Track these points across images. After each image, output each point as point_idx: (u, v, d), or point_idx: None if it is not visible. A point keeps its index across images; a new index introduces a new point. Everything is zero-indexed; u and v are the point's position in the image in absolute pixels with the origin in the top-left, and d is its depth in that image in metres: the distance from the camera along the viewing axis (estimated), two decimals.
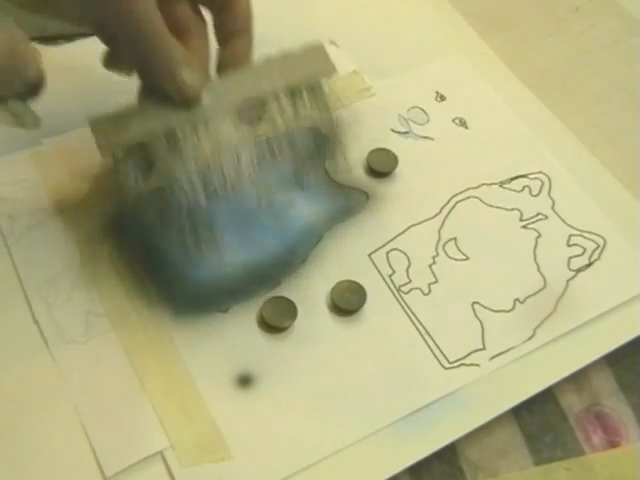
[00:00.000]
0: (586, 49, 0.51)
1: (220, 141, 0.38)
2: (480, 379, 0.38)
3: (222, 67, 0.40)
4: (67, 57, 0.46)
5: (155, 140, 0.37)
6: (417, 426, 0.36)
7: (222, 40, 0.40)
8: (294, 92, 0.39)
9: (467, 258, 0.42)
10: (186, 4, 0.40)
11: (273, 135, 0.39)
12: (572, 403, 0.39)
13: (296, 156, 0.43)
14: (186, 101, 0.36)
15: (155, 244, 0.40)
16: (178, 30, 0.38)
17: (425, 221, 0.43)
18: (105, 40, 0.38)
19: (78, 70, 0.46)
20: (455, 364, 0.38)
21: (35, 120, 0.36)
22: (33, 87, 0.34)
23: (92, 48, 0.39)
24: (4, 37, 0.31)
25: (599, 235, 0.43)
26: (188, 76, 0.36)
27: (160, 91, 0.36)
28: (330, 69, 0.40)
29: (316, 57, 0.40)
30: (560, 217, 0.43)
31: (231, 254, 0.40)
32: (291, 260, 0.41)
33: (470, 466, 0.37)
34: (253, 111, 0.39)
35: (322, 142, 0.45)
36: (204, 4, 0.40)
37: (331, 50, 0.40)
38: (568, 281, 0.41)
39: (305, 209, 0.42)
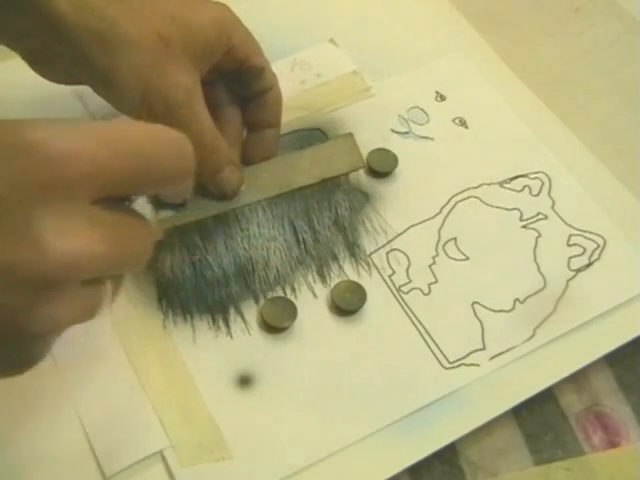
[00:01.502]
0: (586, 49, 0.51)
1: (251, 234, 0.39)
2: (480, 379, 0.38)
3: (248, 155, 0.40)
4: None
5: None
6: (417, 426, 0.36)
7: (251, 128, 0.41)
8: (325, 186, 0.41)
9: (467, 258, 0.42)
10: (223, 87, 0.40)
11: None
12: (572, 403, 0.39)
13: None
14: (224, 197, 0.35)
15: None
16: (213, 114, 0.37)
17: (425, 221, 0.43)
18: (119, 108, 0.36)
19: None
20: (455, 364, 0.38)
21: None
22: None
23: None
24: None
25: (599, 235, 0.43)
26: (229, 175, 0.36)
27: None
28: (358, 162, 0.41)
29: (345, 149, 0.41)
30: (560, 217, 0.43)
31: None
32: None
33: (470, 466, 0.37)
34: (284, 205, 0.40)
35: (322, 142, 0.45)
36: (238, 90, 0.40)
37: (331, 50, 0.40)
38: (568, 281, 0.41)
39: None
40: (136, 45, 0.34)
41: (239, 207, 0.39)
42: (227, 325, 0.39)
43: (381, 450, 0.36)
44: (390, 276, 0.41)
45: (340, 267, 0.41)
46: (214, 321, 0.39)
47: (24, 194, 0.23)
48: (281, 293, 0.40)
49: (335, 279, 0.40)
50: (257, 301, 0.39)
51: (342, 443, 0.36)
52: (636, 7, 0.53)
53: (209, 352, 0.38)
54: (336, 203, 0.42)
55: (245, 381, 0.37)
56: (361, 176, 0.44)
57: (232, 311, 0.39)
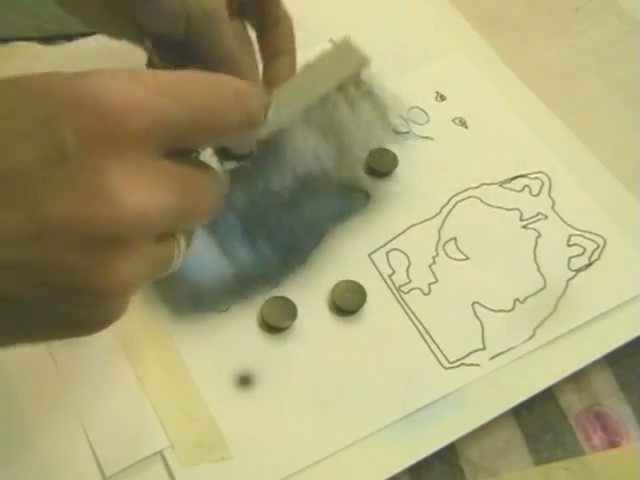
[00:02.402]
0: (586, 49, 0.51)
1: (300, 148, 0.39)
2: (480, 379, 0.38)
3: (268, 85, 0.40)
4: (67, 57, 0.46)
5: None
6: (417, 426, 0.36)
7: (267, 59, 0.41)
8: (343, 89, 0.40)
9: (467, 258, 0.42)
10: (237, 21, 0.40)
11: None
12: (572, 403, 0.39)
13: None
14: (251, 126, 0.32)
15: None
16: None
17: (425, 221, 0.43)
18: (152, 41, 0.37)
19: (78, 70, 0.46)
20: (455, 364, 0.38)
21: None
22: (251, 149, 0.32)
23: (92, 47, 0.39)
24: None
25: (599, 235, 0.43)
26: (254, 101, 0.34)
27: None
28: (364, 60, 0.40)
29: (347, 52, 0.41)
30: (560, 217, 0.43)
31: (231, 254, 0.40)
32: (290, 260, 0.41)
33: (470, 466, 0.37)
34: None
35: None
36: (250, 23, 0.40)
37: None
38: (568, 281, 0.41)
39: (306, 209, 0.42)
40: None
41: (277, 130, 0.37)
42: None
43: (381, 450, 0.36)
44: (390, 276, 0.41)
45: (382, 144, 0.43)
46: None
47: (92, 149, 0.23)
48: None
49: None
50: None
51: (342, 443, 0.36)
52: (636, 7, 0.53)
53: (209, 352, 0.38)
54: (356, 97, 0.41)
55: (245, 381, 0.37)
56: (361, 176, 0.44)
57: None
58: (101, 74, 0.24)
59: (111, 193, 0.23)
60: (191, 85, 0.25)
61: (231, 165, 0.32)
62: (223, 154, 0.30)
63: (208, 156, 0.29)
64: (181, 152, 0.26)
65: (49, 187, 0.23)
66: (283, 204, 0.39)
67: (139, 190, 0.24)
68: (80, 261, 0.24)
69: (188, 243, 0.28)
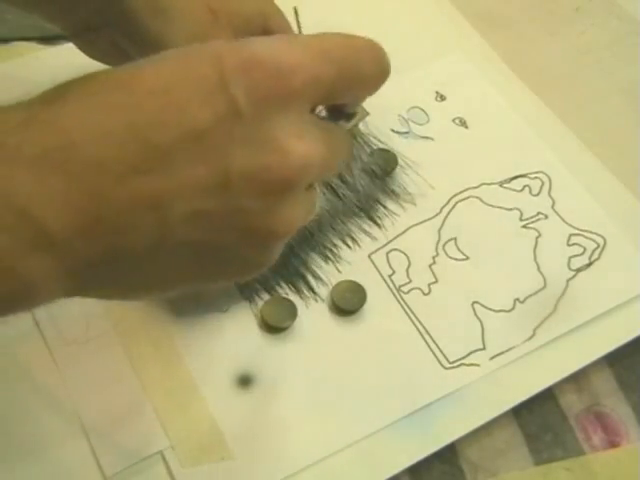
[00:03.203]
0: (586, 49, 0.51)
1: None
2: (480, 379, 0.38)
3: None
4: (67, 57, 0.46)
5: None
6: (417, 426, 0.36)
7: None
8: None
9: (467, 258, 0.42)
10: None
11: None
12: (572, 403, 0.39)
13: None
14: (385, 77, 0.31)
15: None
16: None
17: (425, 221, 0.43)
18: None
19: (78, 70, 0.46)
20: (455, 364, 0.38)
21: None
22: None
23: None
24: None
25: (599, 235, 0.43)
26: (385, 53, 0.32)
27: None
28: (364, 112, 0.40)
29: None
30: (560, 217, 0.43)
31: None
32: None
33: (470, 466, 0.37)
34: None
35: None
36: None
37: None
38: (568, 281, 0.41)
39: None
40: (188, 14, 0.36)
41: None
42: (313, 291, 0.40)
43: (381, 450, 0.36)
44: (390, 276, 0.41)
45: (385, 207, 0.43)
46: (297, 290, 0.40)
47: (262, 105, 0.25)
48: (343, 245, 0.41)
49: (386, 220, 0.42)
50: (326, 261, 0.41)
51: (342, 443, 0.36)
52: (636, 7, 0.53)
53: (209, 352, 0.38)
54: (357, 152, 0.43)
55: (245, 381, 0.37)
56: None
57: (310, 277, 0.40)
58: (262, 40, 0.26)
59: (281, 143, 0.26)
60: (336, 43, 0.27)
61: (342, 124, 0.33)
62: (335, 113, 0.31)
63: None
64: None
65: (228, 142, 0.25)
66: None
67: (303, 140, 0.26)
68: (259, 206, 0.26)
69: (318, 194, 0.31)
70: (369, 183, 0.43)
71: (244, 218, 0.27)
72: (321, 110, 0.31)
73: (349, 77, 0.28)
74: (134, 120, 0.25)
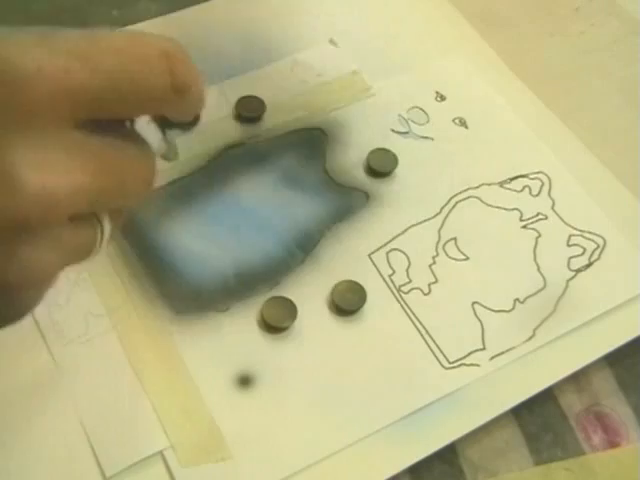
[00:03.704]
0: (586, 49, 0.51)
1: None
2: (480, 379, 0.38)
3: None
4: None
5: None
6: (417, 426, 0.36)
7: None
8: None
9: (467, 258, 0.42)
10: None
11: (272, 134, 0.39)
12: (572, 403, 0.39)
13: (295, 155, 0.43)
14: (179, 93, 0.24)
15: (156, 243, 0.41)
16: None
17: (425, 221, 0.43)
18: None
19: None
20: (455, 364, 0.38)
21: (176, 152, 0.30)
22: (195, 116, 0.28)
23: None
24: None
25: (599, 235, 0.43)
26: (183, 63, 0.25)
27: None
28: None
29: None
30: (560, 217, 0.43)
31: (230, 253, 0.40)
32: (290, 260, 0.41)
33: (470, 466, 0.37)
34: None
35: (322, 142, 0.45)
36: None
37: (331, 50, 0.40)
38: (568, 281, 0.41)
39: (304, 209, 0.42)
40: None
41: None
42: None
43: (381, 450, 0.36)
44: (390, 276, 0.41)
45: None
46: None
47: None
48: None
49: None
50: None
51: (342, 443, 0.36)
52: (636, 7, 0.53)
53: (209, 352, 0.38)
54: None
55: (245, 381, 0.37)
56: (361, 176, 0.44)
57: None
58: (5, 36, 0.21)
59: (11, 172, 0.20)
60: (105, 46, 0.22)
61: (175, 134, 0.29)
62: (162, 123, 0.27)
63: (145, 124, 0.26)
64: (106, 123, 0.23)
65: None
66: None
67: (43, 168, 0.21)
68: None
69: (115, 224, 0.25)
70: None
71: None
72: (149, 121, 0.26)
73: (126, 90, 0.22)
74: None
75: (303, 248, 0.41)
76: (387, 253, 0.42)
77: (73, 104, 0.21)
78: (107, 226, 0.25)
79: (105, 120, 0.23)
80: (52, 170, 0.21)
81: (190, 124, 0.27)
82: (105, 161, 0.23)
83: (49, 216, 0.21)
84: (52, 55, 0.21)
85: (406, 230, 0.43)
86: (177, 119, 0.26)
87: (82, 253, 0.24)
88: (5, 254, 0.21)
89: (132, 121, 0.25)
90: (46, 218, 0.21)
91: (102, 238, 0.25)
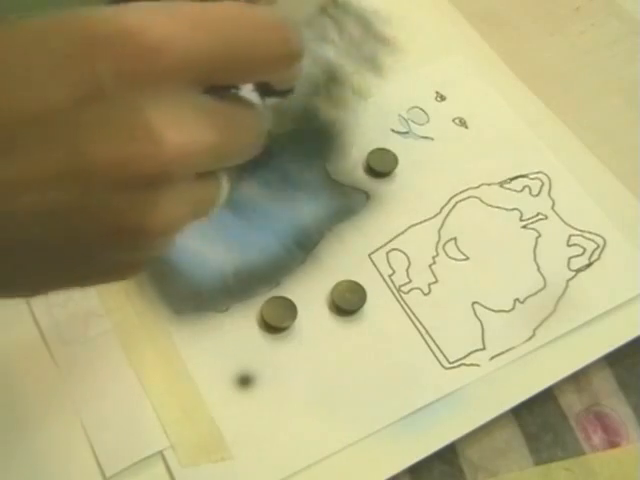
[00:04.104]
0: (586, 49, 0.51)
1: None
2: (480, 379, 0.38)
3: None
4: None
5: None
6: (417, 426, 0.36)
7: None
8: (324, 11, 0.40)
9: (467, 258, 0.42)
10: None
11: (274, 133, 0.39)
12: (572, 403, 0.39)
13: (295, 155, 0.43)
14: (292, 60, 0.27)
15: None
16: None
17: (425, 221, 0.43)
18: None
19: None
20: (455, 364, 0.38)
21: (270, 119, 0.31)
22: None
23: None
24: None
25: (599, 235, 0.43)
26: (294, 32, 0.28)
27: None
28: None
29: None
30: (560, 217, 0.43)
31: (230, 253, 0.40)
32: (290, 260, 0.41)
33: (470, 466, 0.37)
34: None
35: (322, 142, 0.45)
36: None
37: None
38: (568, 281, 0.41)
39: (305, 209, 0.42)
40: None
41: None
42: None
43: (381, 450, 0.36)
44: (390, 276, 0.41)
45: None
46: None
47: (128, 85, 0.22)
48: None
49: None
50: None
51: (342, 443, 0.36)
52: (636, 7, 0.53)
53: (209, 352, 0.38)
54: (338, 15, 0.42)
55: (245, 381, 0.37)
56: (361, 176, 0.44)
57: None
58: (136, 7, 0.23)
59: (151, 131, 0.22)
60: (227, 16, 0.24)
61: (272, 101, 0.30)
62: (264, 90, 0.28)
63: (248, 92, 0.27)
64: (221, 88, 0.25)
65: (87, 126, 0.22)
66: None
67: (179, 127, 0.23)
68: (121, 203, 0.23)
69: (230, 182, 0.27)
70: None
71: (105, 215, 0.23)
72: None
73: (244, 57, 0.24)
74: None
75: (303, 248, 0.41)
76: (387, 253, 0.42)
77: (198, 69, 0.23)
78: (225, 183, 0.27)
79: (219, 86, 0.25)
80: (186, 129, 0.23)
81: (287, 92, 0.28)
82: (227, 120, 0.25)
83: (183, 170, 0.23)
84: (180, 24, 0.23)
85: (406, 230, 0.43)
86: (279, 87, 0.28)
87: (206, 208, 0.26)
88: (145, 203, 0.23)
89: (237, 88, 0.26)
90: (182, 172, 0.23)
91: (221, 193, 0.27)
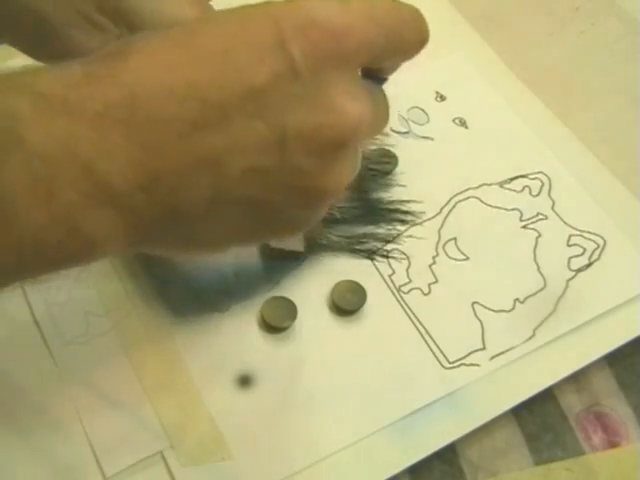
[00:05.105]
0: (586, 49, 0.51)
1: None
2: (480, 379, 0.38)
3: None
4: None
5: None
6: (417, 426, 0.36)
7: None
8: None
9: (467, 258, 0.42)
10: None
11: None
12: (572, 403, 0.39)
13: None
14: (424, 45, 0.32)
15: None
16: None
17: (425, 221, 0.43)
18: None
19: None
20: (455, 364, 0.38)
21: None
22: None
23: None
24: None
25: (599, 235, 0.43)
26: (426, 22, 0.32)
27: None
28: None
29: None
30: (560, 217, 0.43)
31: (230, 253, 0.40)
32: (290, 260, 0.41)
33: (470, 466, 0.37)
34: None
35: None
36: None
37: None
38: (568, 281, 0.41)
39: None
40: None
41: None
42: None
43: (381, 450, 0.36)
44: (390, 276, 0.41)
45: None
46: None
47: (318, 65, 0.26)
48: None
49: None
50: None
51: (342, 443, 0.36)
52: (636, 7, 0.53)
53: (209, 352, 0.38)
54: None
55: (245, 381, 0.37)
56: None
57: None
58: (315, 1, 0.27)
59: (336, 103, 0.27)
60: (385, 10, 0.28)
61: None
62: (372, 76, 0.31)
63: None
64: (374, 74, 0.30)
65: (285, 101, 0.26)
66: None
67: (356, 101, 0.27)
68: (313, 165, 0.27)
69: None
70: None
71: (298, 176, 0.27)
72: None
73: (394, 43, 0.29)
74: (194, 78, 0.25)
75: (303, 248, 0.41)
76: (387, 253, 0.42)
77: (368, 54, 0.28)
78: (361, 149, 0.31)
79: (373, 72, 0.30)
80: (359, 103, 0.27)
81: (383, 79, 0.32)
82: (379, 99, 0.30)
83: (358, 137, 0.28)
84: (358, 16, 0.27)
85: (406, 230, 0.42)
86: (387, 74, 0.32)
87: (355, 170, 0.30)
88: (330, 167, 0.28)
89: (386, 79, 0.31)
90: (357, 139, 0.28)
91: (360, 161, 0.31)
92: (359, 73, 0.30)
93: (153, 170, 0.25)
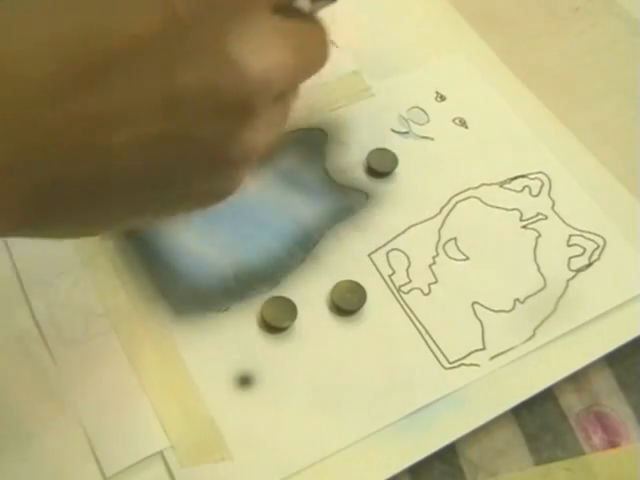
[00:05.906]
0: (586, 49, 0.51)
1: None
2: (480, 379, 0.38)
3: None
4: None
5: None
6: (417, 426, 0.36)
7: None
8: None
9: (467, 258, 0.42)
10: None
11: None
12: (572, 403, 0.39)
13: (295, 155, 0.43)
14: None
15: (156, 243, 0.41)
16: None
17: (425, 221, 0.43)
18: None
19: None
20: (455, 364, 0.38)
21: None
22: None
23: None
24: None
25: (599, 235, 0.43)
26: None
27: None
28: None
29: None
30: (560, 217, 0.43)
31: (230, 253, 0.40)
32: (290, 260, 0.41)
33: (470, 466, 0.37)
34: None
35: (322, 142, 0.45)
36: None
37: (331, 50, 0.40)
38: (568, 281, 0.41)
39: (304, 209, 0.42)
40: None
41: None
42: None
43: (381, 450, 0.36)
44: (390, 276, 0.41)
45: None
46: None
47: (208, 13, 0.22)
48: None
49: None
50: None
51: (342, 443, 0.36)
52: (636, 7, 0.53)
53: (209, 352, 0.38)
54: None
55: (245, 381, 0.37)
56: (361, 176, 0.44)
57: None
58: None
59: (235, 59, 0.22)
60: None
61: (320, 6, 0.29)
62: None
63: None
64: (284, 4, 0.25)
65: (172, 58, 0.22)
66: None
67: (261, 53, 0.23)
68: (208, 132, 0.23)
69: (295, 98, 0.28)
70: None
71: (195, 145, 0.24)
72: None
73: None
74: (62, 32, 0.21)
75: (303, 248, 0.41)
76: (387, 253, 0.42)
77: None
78: (292, 99, 0.27)
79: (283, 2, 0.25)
80: (266, 54, 0.23)
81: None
82: (300, 37, 0.25)
83: (267, 97, 0.24)
84: None
85: (406, 230, 0.43)
86: None
87: (279, 128, 0.26)
88: (231, 134, 0.24)
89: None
90: (265, 99, 0.24)
91: (289, 111, 0.27)
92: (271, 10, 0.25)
93: (29, 140, 0.22)
